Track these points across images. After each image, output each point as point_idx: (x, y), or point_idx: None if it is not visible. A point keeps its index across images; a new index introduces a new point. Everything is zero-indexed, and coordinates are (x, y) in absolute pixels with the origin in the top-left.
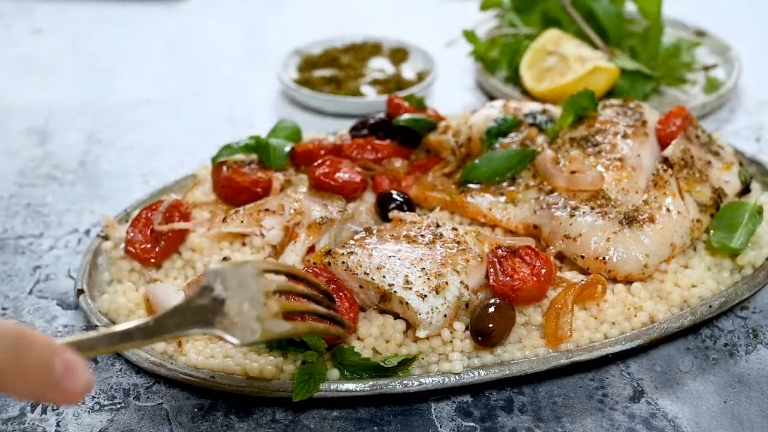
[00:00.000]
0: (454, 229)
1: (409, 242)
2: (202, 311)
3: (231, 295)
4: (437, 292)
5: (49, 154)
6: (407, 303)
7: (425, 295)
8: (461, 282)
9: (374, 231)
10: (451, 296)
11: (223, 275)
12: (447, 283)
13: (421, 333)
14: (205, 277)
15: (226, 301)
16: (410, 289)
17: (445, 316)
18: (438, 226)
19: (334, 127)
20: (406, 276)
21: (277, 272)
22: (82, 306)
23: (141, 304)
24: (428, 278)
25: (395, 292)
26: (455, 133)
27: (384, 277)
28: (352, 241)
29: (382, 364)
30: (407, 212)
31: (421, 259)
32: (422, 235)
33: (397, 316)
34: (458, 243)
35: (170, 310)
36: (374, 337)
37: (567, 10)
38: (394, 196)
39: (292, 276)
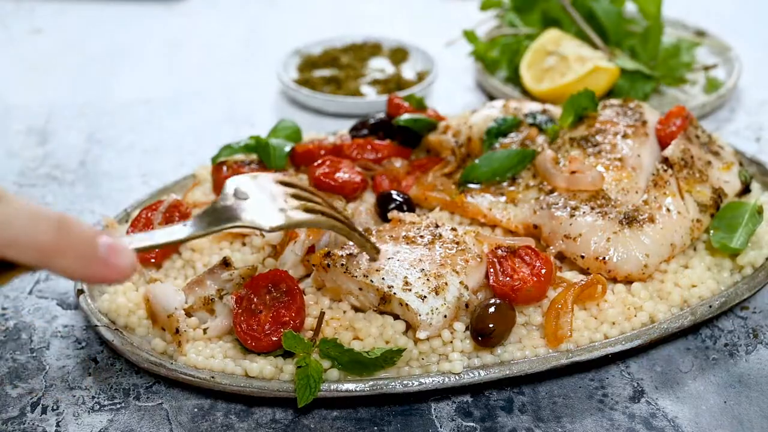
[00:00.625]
0: (453, 229)
1: (408, 243)
2: (227, 210)
3: (252, 194)
4: (437, 293)
5: (49, 154)
6: (407, 304)
7: (425, 296)
8: (461, 282)
9: (373, 232)
10: (451, 297)
11: (242, 181)
12: (446, 283)
13: (421, 334)
14: (225, 186)
15: (248, 199)
16: (410, 290)
17: (445, 316)
18: (437, 226)
19: (334, 127)
20: (406, 277)
21: (292, 186)
22: (82, 306)
23: (141, 304)
24: (428, 279)
25: (395, 293)
26: (455, 133)
27: (383, 279)
28: (351, 243)
29: (365, 355)
30: (407, 212)
31: (420, 260)
32: (421, 236)
33: (397, 317)
34: (457, 243)
35: (199, 214)
36: (374, 337)
37: (567, 10)
38: (394, 196)
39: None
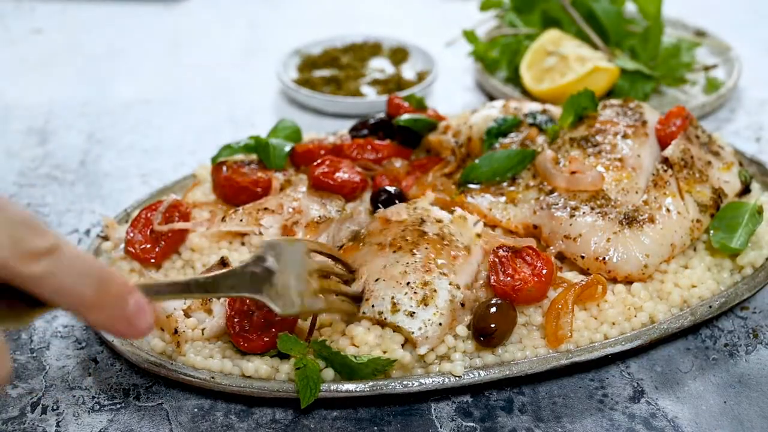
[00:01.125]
0: (439, 221)
1: (394, 251)
2: (254, 278)
3: (281, 269)
4: (426, 305)
5: (49, 154)
6: (398, 326)
7: (413, 312)
8: (450, 283)
9: (362, 236)
10: (442, 302)
11: (277, 249)
12: (435, 290)
13: (421, 350)
14: (260, 248)
15: (276, 273)
16: (398, 311)
17: (440, 324)
18: (422, 221)
19: (334, 127)
20: (393, 298)
21: (321, 252)
22: None
23: None
24: (414, 292)
25: (386, 319)
26: (455, 133)
27: (373, 306)
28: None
29: (352, 359)
30: (393, 207)
31: (405, 271)
32: (406, 239)
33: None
34: (443, 238)
35: (226, 272)
36: (370, 346)
37: (567, 10)
38: (383, 190)
39: (331, 256)
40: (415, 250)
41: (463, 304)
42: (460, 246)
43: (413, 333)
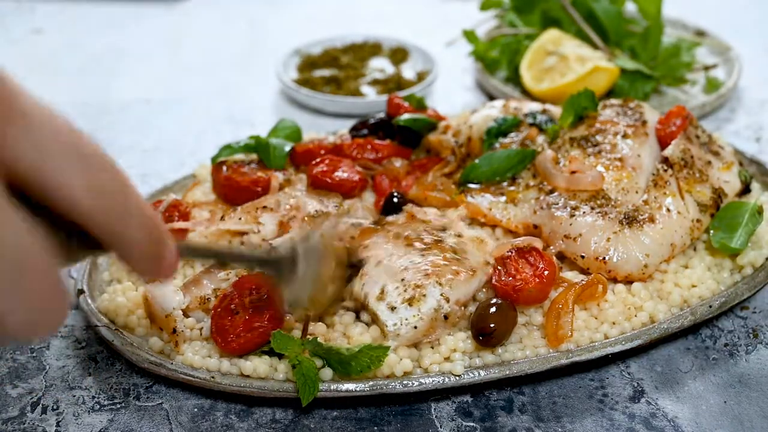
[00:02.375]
0: (459, 236)
1: (406, 245)
2: (282, 265)
3: (303, 266)
4: (410, 304)
5: None
6: (376, 314)
7: (395, 307)
8: (442, 294)
9: (383, 222)
10: (427, 308)
11: (305, 244)
12: (425, 295)
13: (389, 344)
14: (295, 240)
15: (298, 270)
16: (383, 300)
17: (416, 327)
18: (444, 230)
19: (334, 127)
20: (383, 287)
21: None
22: (82, 306)
23: (140, 304)
24: (405, 290)
25: (368, 302)
26: (455, 133)
27: (363, 285)
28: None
29: (345, 351)
30: (424, 208)
31: (406, 268)
32: (422, 239)
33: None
34: (455, 252)
35: (261, 253)
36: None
37: (567, 10)
38: (395, 199)
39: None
40: (424, 253)
41: (446, 317)
42: (468, 265)
43: (387, 326)
